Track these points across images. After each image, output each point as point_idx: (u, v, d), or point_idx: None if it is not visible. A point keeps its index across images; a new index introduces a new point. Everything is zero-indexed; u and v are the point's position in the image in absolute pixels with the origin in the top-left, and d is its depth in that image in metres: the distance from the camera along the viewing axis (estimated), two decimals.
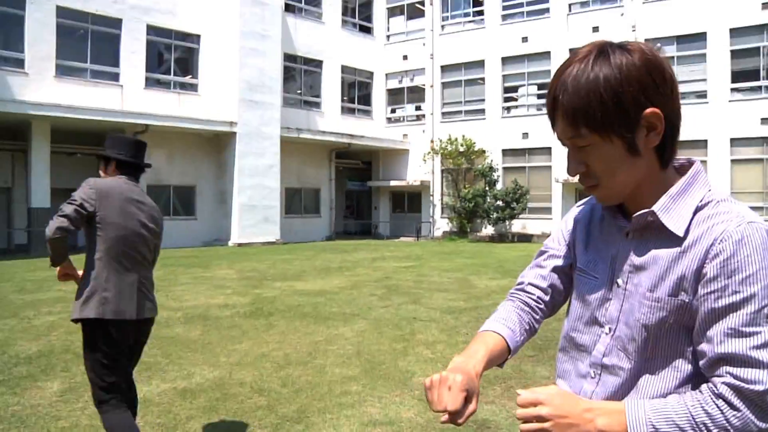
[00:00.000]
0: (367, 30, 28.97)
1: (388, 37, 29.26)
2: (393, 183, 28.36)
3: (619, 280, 1.25)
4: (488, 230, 25.51)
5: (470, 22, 26.88)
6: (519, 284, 1.49)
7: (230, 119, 21.87)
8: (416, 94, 28.46)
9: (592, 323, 1.29)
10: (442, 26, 27.48)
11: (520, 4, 25.25)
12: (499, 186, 25.25)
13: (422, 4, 28.00)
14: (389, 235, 28.42)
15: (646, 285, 1.19)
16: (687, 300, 1.15)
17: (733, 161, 21.03)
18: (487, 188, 25.19)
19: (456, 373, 1.19)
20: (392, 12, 29.17)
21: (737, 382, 1.07)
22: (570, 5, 23.94)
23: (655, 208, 1.19)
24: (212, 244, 22.30)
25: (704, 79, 21.31)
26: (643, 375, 1.20)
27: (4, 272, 13.26)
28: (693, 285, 1.14)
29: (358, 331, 7.35)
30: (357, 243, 24.19)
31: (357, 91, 28.94)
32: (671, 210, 1.18)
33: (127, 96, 20.51)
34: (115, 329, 3.26)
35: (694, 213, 1.18)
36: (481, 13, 26.41)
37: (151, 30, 21.26)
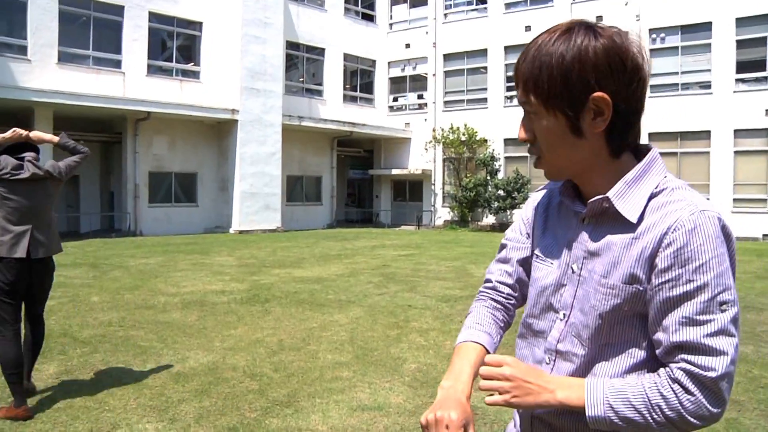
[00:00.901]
0: (369, 18, 28.88)
1: (390, 25, 29.17)
2: (395, 171, 28.37)
3: (574, 266, 1.25)
4: (489, 219, 25.54)
5: (473, 10, 26.77)
6: (487, 281, 1.49)
7: (232, 107, 21.89)
8: (418, 82, 28.40)
9: (547, 309, 1.30)
10: (445, 14, 27.38)
11: None
12: (500, 175, 25.24)
13: None
14: (390, 224, 28.48)
15: (600, 271, 1.20)
16: (641, 288, 1.16)
17: (736, 152, 20.92)
18: (488, 177, 25.19)
19: (450, 410, 1.17)
20: (395, 0, 29.07)
21: (692, 368, 1.10)
22: None
23: (609, 194, 1.19)
24: (213, 231, 22.39)
25: (708, 70, 21.18)
26: (598, 361, 1.21)
27: None
28: (647, 273, 1.15)
29: (353, 318, 7.43)
30: (358, 231, 24.27)
31: (359, 79, 28.90)
32: (626, 196, 1.18)
33: (129, 83, 20.54)
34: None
35: (649, 200, 1.18)
36: (484, 1, 26.27)
37: (153, 17, 21.24)
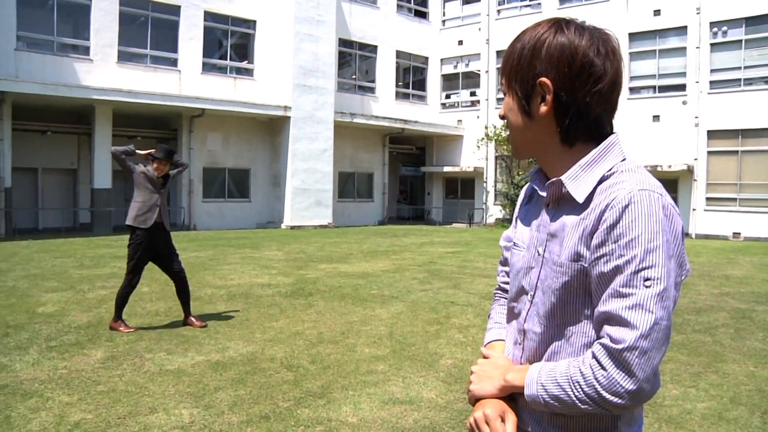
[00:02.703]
0: (422, 15, 28.82)
1: (443, 21, 29.04)
2: (446, 169, 28.25)
3: (540, 249, 1.31)
4: None
5: (527, 6, 26.40)
6: (498, 285, 1.60)
7: (284, 104, 22.21)
8: (471, 79, 28.20)
9: (521, 291, 1.36)
10: (498, 11, 27.09)
11: None
12: None
13: None
14: (441, 221, 28.39)
15: (556, 252, 1.25)
16: (585, 265, 1.19)
17: None
18: None
19: (495, 410, 1.25)
20: None
21: (608, 342, 1.11)
22: None
23: (563, 177, 1.25)
24: (265, 226, 22.79)
25: None
26: (555, 340, 1.25)
27: (68, 249, 13.93)
28: (588, 250, 1.19)
29: (394, 313, 7.45)
30: (408, 228, 24.29)
31: (411, 77, 28.89)
32: (578, 178, 1.23)
33: (185, 81, 21.09)
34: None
35: (600, 182, 1.21)
36: None
37: (209, 16, 21.76)
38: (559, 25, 1.26)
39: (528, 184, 1.49)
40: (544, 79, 1.23)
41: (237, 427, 3.87)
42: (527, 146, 1.33)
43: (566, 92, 1.22)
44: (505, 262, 1.53)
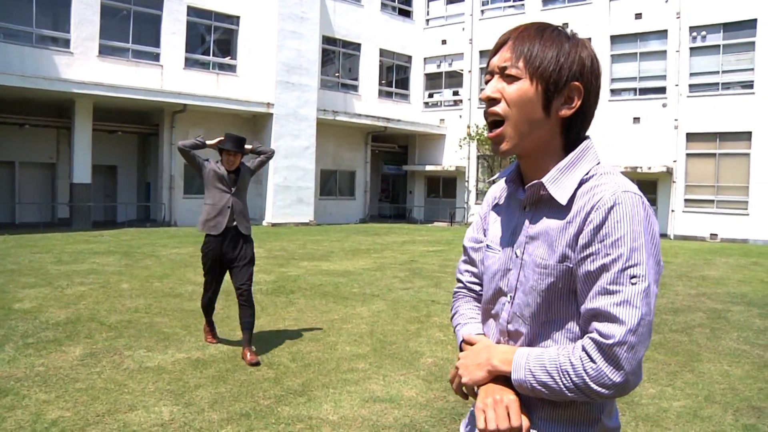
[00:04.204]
0: (406, 14, 28.85)
1: (427, 21, 29.09)
2: (428, 168, 28.33)
3: (518, 251, 1.34)
4: None
5: (510, 7, 26.53)
6: (459, 282, 1.60)
7: (267, 100, 22.11)
8: (454, 79, 28.29)
9: (498, 293, 1.38)
10: (482, 11, 27.19)
11: None
12: None
13: None
14: (423, 220, 28.46)
15: (538, 254, 1.28)
16: (571, 265, 1.24)
17: None
18: None
19: (508, 394, 1.26)
20: None
21: (597, 337, 1.17)
22: None
23: (544, 179, 1.29)
24: None
25: (752, 69, 20.59)
26: (541, 339, 1.30)
27: (46, 244, 13.77)
28: (574, 250, 1.23)
29: (375, 311, 7.47)
30: (390, 226, 24.31)
31: (395, 75, 28.91)
32: (558, 181, 1.28)
33: (167, 76, 20.92)
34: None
35: (580, 185, 1.26)
36: None
37: (192, 11, 21.58)
38: (580, 39, 1.32)
39: (493, 186, 1.53)
40: (578, 83, 1.27)
41: (217, 425, 3.87)
42: (530, 142, 1.30)
43: (588, 100, 1.29)
44: (470, 262, 1.55)
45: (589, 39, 25.02)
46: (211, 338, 5.84)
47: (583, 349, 1.18)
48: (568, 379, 1.18)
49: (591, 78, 1.28)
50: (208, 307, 5.77)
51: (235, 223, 5.52)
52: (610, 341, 1.15)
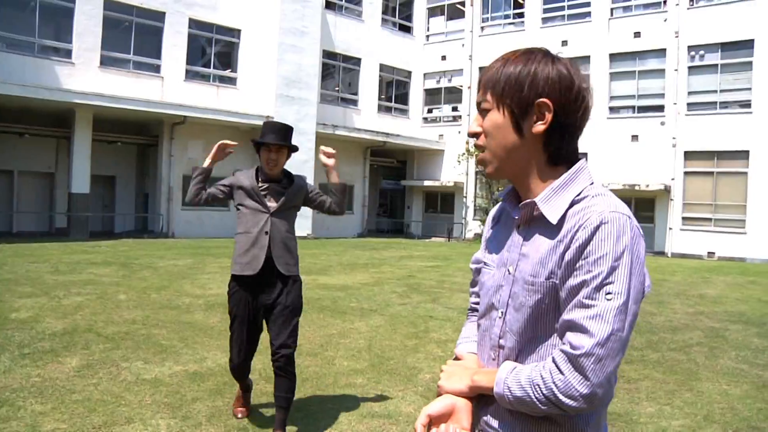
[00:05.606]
0: (406, 29, 29.03)
1: (427, 36, 29.28)
2: (427, 183, 28.39)
3: (510, 268, 1.37)
4: None
5: (510, 24, 26.75)
6: (470, 306, 1.65)
7: (267, 113, 22.14)
8: (453, 94, 28.43)
9: (490, 309, 1.41)
10: (482, 27, 27.38)
11: (561, 8, 24.98)
12: None
13: (462, 4, 27.93)
14: (421, 235, 28.46)
15: (528, 270, 1.31)
16: (557, 282, 1.26)
17: None
18: None
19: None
20: (432, 12, 29.19)
21: (567, 348, 1.20)
22: (612, 9, 23.58)
23: (536, 198, 1.32)
24: None
25: (749, 88, 20.75)
26: (528, 354, 1.32)
27: (43, 253, 13.73)
28: (560, 267, 1.26)
29: (373, 326, 7.45)
30: (388, 241, 24.30)
31: (394, 90, 29.04)
32: (551, 200, 1.30)
33: (168, 87, 20.99)
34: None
35: (571, 205, 1.29)
36: (521, 15, 26.25)
37: (193, 23, 21.72)
38: (550, 55, 1.34)
39: (497, 206, 1.55)
40: (545, 99, 1.28)
41: None
42: (510, 164, 1.35)
43: (563, 114, 1.30)
44: (475, 284, 1.58)
45: (588, 57, 25.75)
46: (241, 407, 4.30)
47: (554, 360, 1.21)
48: (539, 391, 1.20)
49: (561, 91, 1.29)
50: (238, 371, 4.22)
51: (273, 257, 3.98)
52: (578, 352, 1.17)
